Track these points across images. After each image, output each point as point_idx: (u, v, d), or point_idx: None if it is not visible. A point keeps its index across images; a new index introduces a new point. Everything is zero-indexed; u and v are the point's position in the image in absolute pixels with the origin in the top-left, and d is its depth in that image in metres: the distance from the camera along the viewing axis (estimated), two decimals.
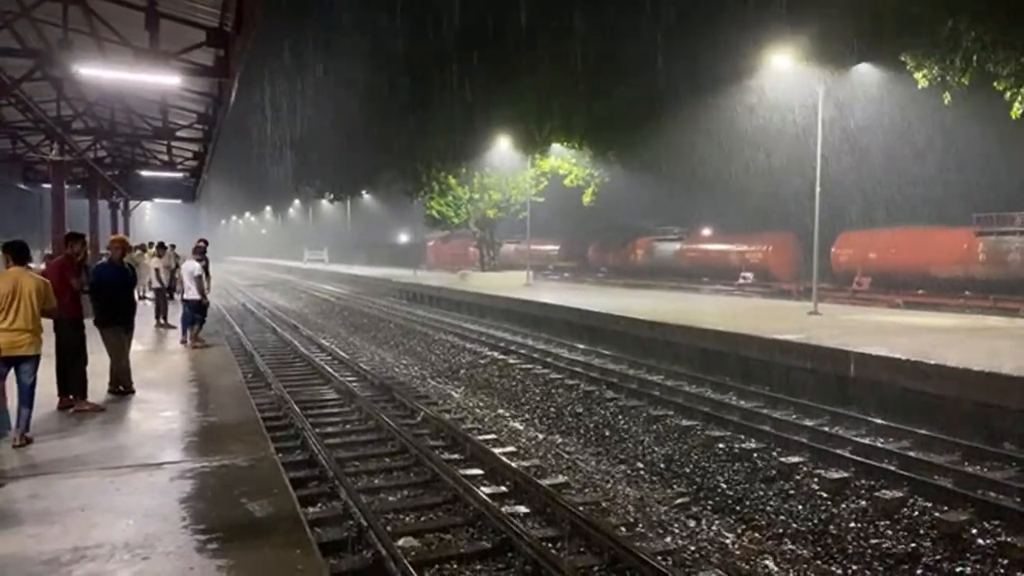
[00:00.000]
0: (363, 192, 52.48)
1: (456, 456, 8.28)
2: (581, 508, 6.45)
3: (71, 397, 7.33)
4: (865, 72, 16.03)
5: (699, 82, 21.81)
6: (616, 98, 24.23)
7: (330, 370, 13.47)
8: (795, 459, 8.09)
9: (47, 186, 22.83)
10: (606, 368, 13.43)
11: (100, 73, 10.58)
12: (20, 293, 5.81)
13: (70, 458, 5.76)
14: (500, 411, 10.98)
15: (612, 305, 17.82)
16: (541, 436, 9.54)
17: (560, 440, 9.36)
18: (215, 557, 3.94)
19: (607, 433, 9.56)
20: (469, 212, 32.25)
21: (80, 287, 7.49)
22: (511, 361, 14.67)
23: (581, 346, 15.99)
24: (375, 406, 10.45)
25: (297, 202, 71.77)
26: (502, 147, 28.94)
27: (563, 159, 28.23)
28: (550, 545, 5.81)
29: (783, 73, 16.20)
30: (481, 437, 9.06)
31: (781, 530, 6.45)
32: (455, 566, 5.58)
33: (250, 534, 4.30)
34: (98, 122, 19.31)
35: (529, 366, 14.08)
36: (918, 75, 12.97)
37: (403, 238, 62.42)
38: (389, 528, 6.11)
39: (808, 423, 9.32)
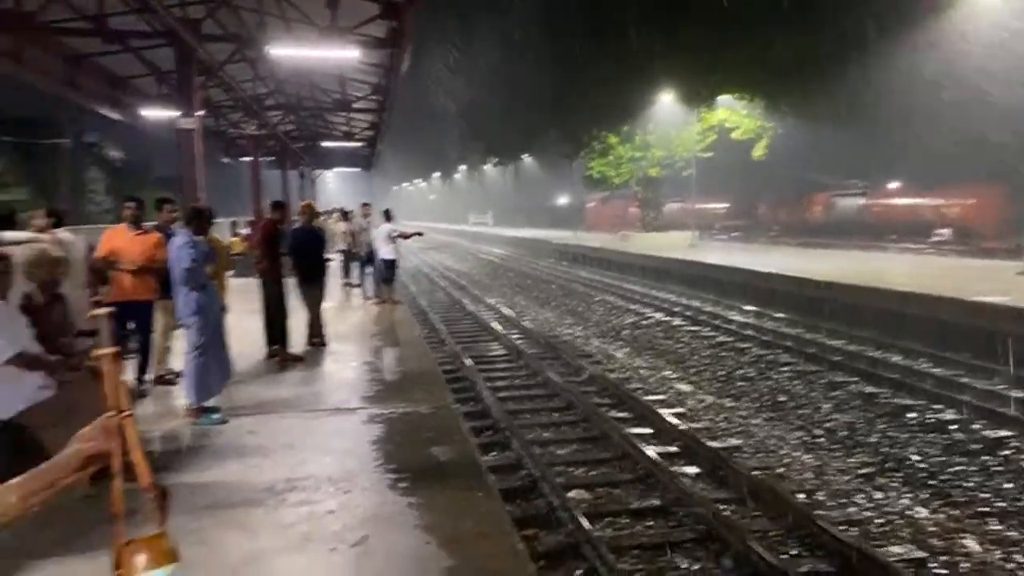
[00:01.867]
0: (524, 156, 53.17)
1: (623, 414, 8.31)
2: (756, 472, 6.27)
3: (275, 347, 8.18)
4: None
5: (901, 13, 19.62)
6: (794, 43, 22.50)
7: (498, 327, 13.94)
8: (1003, 433, 7.31)
9: (245, 159, 25.35)
10: (780, 332, 12.80)
11: (289, 52, 11.48)
12: None
13: (278, 400, 6.45)
14: (666, 373, 10.84)
15: (785, 266, 16.87)
16: (710, 399, 9.32)
17: (730, 404, 9.10)
18: (405, 495, 4.28)
19: (782, 399, 9.15)
20: (630, 171, 31.65)
21: (279, 249, 8.30)
22: (676, 323, 14.39)
23: (752, 308, 15.33)
24: (541, 363, 10.70)
25: (463, 167, 74.09)
26: (665, 102, 27.99)
27: (732, 111, 26.82)
28: (723, 506, 5.71)
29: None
30: (647, 397, 9.02)
31: (984, 508, 5.88)
32: (626, 520, 5.65)
33: (435, 476, 4.61)
34: (287, 98, 21.01)
35: (695, 328, 13.74)
36: None
37: (562, 200, 62.66)
38: (560, 480, 6.28)
39: (1019, 394, 8.36)
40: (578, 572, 4.80)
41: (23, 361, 4.01)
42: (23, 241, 5.42)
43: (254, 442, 5.27)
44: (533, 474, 6.37)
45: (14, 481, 1.21)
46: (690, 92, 26.57)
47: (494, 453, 7.15)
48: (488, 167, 61.16)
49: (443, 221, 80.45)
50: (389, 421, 5.79)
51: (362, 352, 8.68)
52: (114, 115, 16.00)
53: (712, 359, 11.41)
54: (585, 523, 5.29)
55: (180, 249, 5.85)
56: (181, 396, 6.13)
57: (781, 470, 6.75)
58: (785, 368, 10.45)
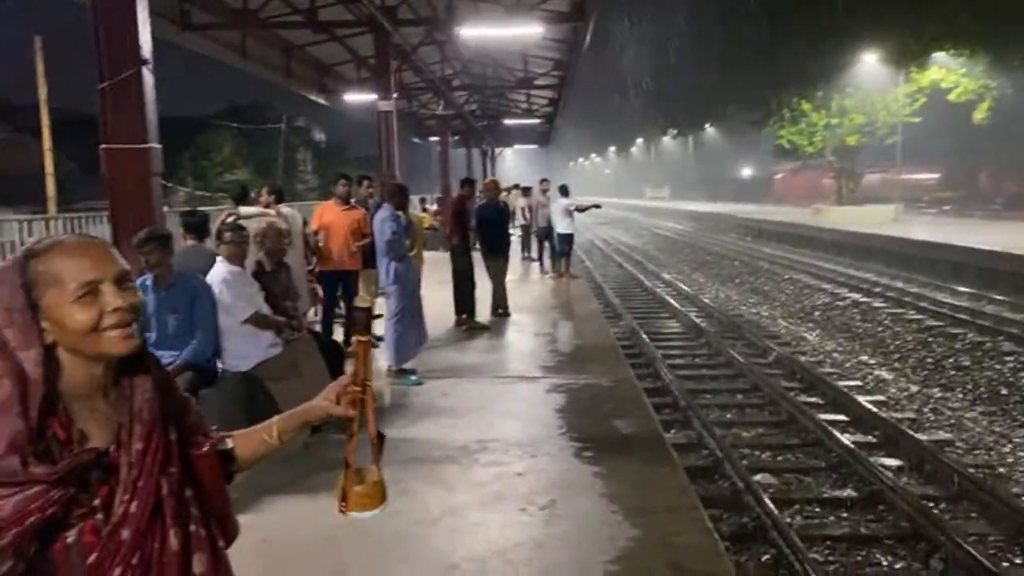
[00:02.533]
0: (706, 126, 51.11)
1: (814, 399, 7.83)
2: (971, 470, 5.67)
3: (463, 316, 8.62)
4: None
5: None
6: None
7: (675, 304, 13.66)
8: None
9: (432, 139, 26.70)
10: (1003, 317, 11.36)
11: (477, 31, 11.87)
12: None
13: (467, 366, 6.82)
14: (862, 357, 10.05)
15: (1011, 243, 14.89)
16: (915, 388, 8.53)
17: (939, 394, 8.26)
18: (589, 464, 4.36)
19: (1004, 391, 8.16)
20: (825, 140, 29.30)
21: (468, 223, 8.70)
22: (876, 304, 13.25)
23: (967, 291, 13.73)
24: (723, 342, 10.36)
25: (640, 140, 72.78)
26: (867, 63, 25.54)
27: (948, 70, 23.88)
28: (931, 504, 5.24)
29: None
30: (842, 383, 8.42)
31: None
32: (817, 509, 5.36)
33: (618, 448, 4.66)
34: (472, 78, 21.77)
35: (899, 311, 12.57)
36: None
37: (746, 172, 59.58)
38: (745, 462, 6.08)
39: None
40: (765, 557, 4.64)
41: (258, 321, 4.56)
42: (254, 215, 6.13)
43: (447, 404, 5.62)
44: (716, 454, 6.22)
45: (276, 418, 1.40)
46: (897, 50, 23.99)
47: (674, 431, 7.06)
48: (667, 139, 59.58)
49: (618, 196, 79.68)
50: (571, 391, 5.92)
51: (542, 324, 8.90)
52: (321, 100, 17.50)
53: (918, 344, 10.40)
54: (773, 508, 5.09)
55: (383, 223, 6.32)
56: (382, 358, 6.66)
57: (1002, 470, 6.05)
58: (1009, 358, 9.28)
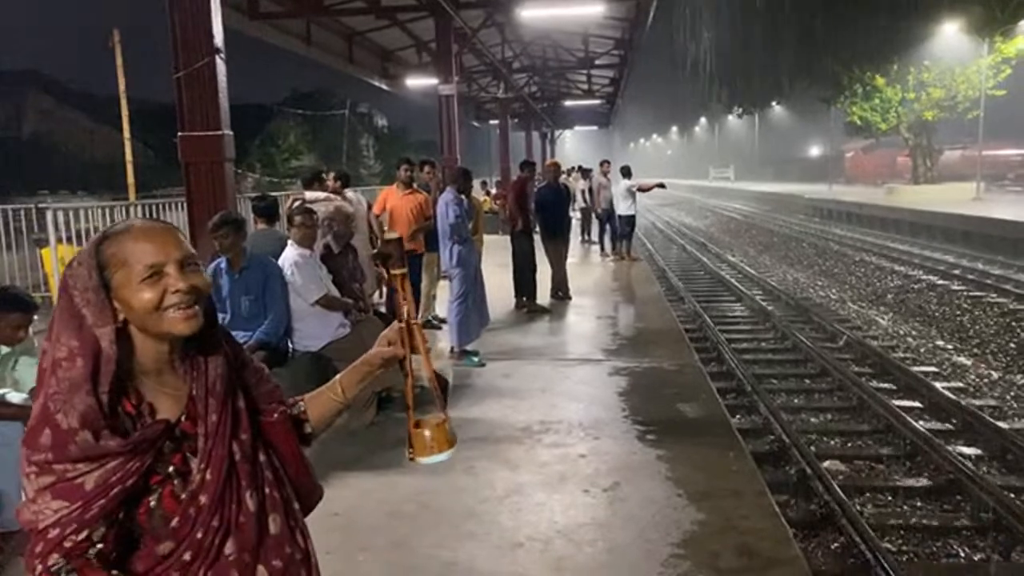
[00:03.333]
0: (773, 103, 49.54)
1: (886, 385, 7.57)
2: None
3: (524, 299, 8.64)
4: None
5: None
6: None
7: (740, 287, 13.37)
8: None
9: (492, 122, 26.71)
10: None
11: (538, 12, 11.78)
12: None
13: (528, 348, 6.85)
14: (939, 342, 9.65)
15: None
16: (996, 375, 8.14)
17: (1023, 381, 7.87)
18: (653, 447, 4.34)
19: None
20: (900, 115, 28.02)
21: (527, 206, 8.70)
22: (954, 287, 12.66)
23: None
24: (791, 326, 10.09)
25: (703, 120, 71.15)
26: (946, 33, 24.24)
27: None
28: (1014, 495, 5.01)
29: None
30: (917, 368, 8.11)
31: None
32: (889, 498, 5.20)
33: (683, 431, 4.61)
34: (532, 60, 21.66)
35: (979, 294, 11.98)
36: None
37: (814, 151, 57.57)
38: (813, 448, 5.94)
39: None
40: (835, 546, 4.54)
41: (327, 302, 4.69)
42: (320, 200, 6.28)
43: (509, 385, 5.67)
44: (782, 440, 6.09)
45: (338, 376, 1.44)
46: (981, 19, 22.68)
47: (739, 416, 6.94)
48: (731, 118, 58.04)
49: (680, 177, 78.23)
50: (633, 374, 5.88)
51: (603, 306, 8.85)
52: (382, 86, 17.70)
53: (1000, 329, 9.90)
54: (842, 495, 4.96)
55: (446, 206, 6.39)
56: (445, 340, 6.75)
57: None
58: None
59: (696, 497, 3.63)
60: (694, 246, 21.30)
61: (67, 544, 1.06)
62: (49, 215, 8.45)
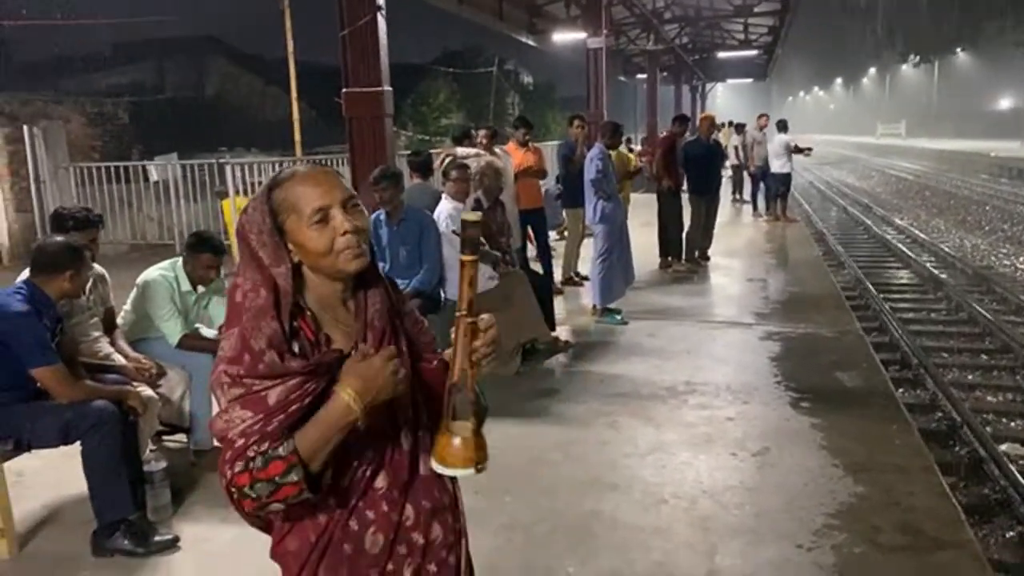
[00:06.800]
0: (957, 50, 44.43)
1: None
2: None
3: (669, 259, 8.44)
4: None
5: None
6: None
7: (908, 253, 12.29)
8: None
9: (640, 76, 25.93)
10: None
11: None
12: None
13: (673, 308, 6.71)
14: None
15: None
16: None
17: None
18: (808, 415, 4.14)
19: None
20: None
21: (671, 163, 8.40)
22: None
23: None
24: (967, 296, 9.18)
25: (872, 71, 65.23)
26: None
27: None
28: None
29: None
30: None
31: None
32: None
33: (841, 401, 4.37)
34: (684, 9, 20.70)
35: None
36: None
37: (1004, 103, 51.18)
38: (989, 429, 5.42)
39: None
40: (1010, 535, 4.15)
41: (481, 253, 4.81)
42: (471, 156, 6.41)
43: (654, 344, 5.60)
44: (952, 418, 5.61)
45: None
46: None
47: (902, 390, 6.45)
48: (906, 67, 52.69)
49: (844, 133, 72.51)
50: (787, 339, 5.61)
51: (754, 269, 8.47)
52: (530, 41, 17.63)
53: None
54: (1021, 481, 4.50)
55: (591, 161, 6.32)
56: (588, 297, 6.75)
57: None
58: None
59: (854, 469, 3.44)
60: (857, 208, 19.78)
61: (250, 453, 1.14)
62: (228, 170, 9.26)
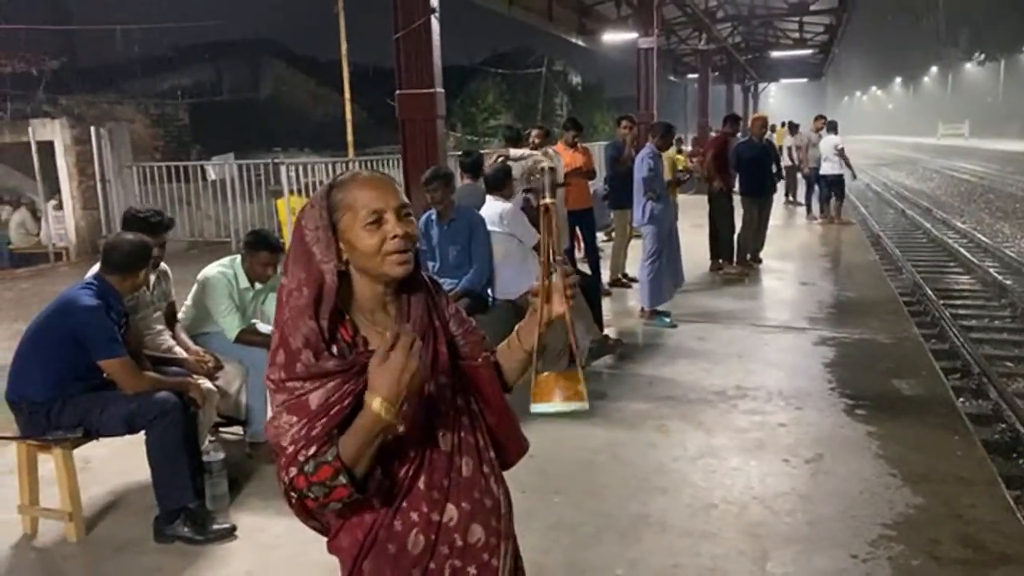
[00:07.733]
0: None
1: None
2: None
3: (720, 262, 8.32)
4: None
5: None
6: None
7: (970, 257, 11.85)
8: None
9: (691, 76, 25.61)
10: None
11: None
12: None
13: (724, 311, 6.61)
14: None
15: None
16: None
17: None
18: (864, 423, 4.04)
19: None
20: None
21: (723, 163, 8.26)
22: None
23: None
24: None
25: (933, 69, 63.09)
26: None
27: None
28: None
29: None
30: None
31: None
32: None
33: (899, 409, 4.25)
34: (737, 8, 20.37)
35: None
36: None
37: None
38: None
39: None
40: None
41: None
42: (524, 156, 6.43)
43: (703, 347, 5.53)
44: (1017, 430, 5.39)
45: (517, 327, 1.45)
46: None
47: (963, 399, 6.23)
48: (969, 66, 50.79)
49: (903, 134, 70.31)
50: (842, 345, 5.48)
51: (808, 273, 8.29)
52: (579, 42, 17.57)
53: None
54: None
55: (641, 161, 6.27)
56: (636, 298, 6.70)
57: None
58: None
59: (913, 479, 3.34)
60: (916, 211, 19.16)
61: (300, 458, 1.17)
62: (283, 169, 9.49)
